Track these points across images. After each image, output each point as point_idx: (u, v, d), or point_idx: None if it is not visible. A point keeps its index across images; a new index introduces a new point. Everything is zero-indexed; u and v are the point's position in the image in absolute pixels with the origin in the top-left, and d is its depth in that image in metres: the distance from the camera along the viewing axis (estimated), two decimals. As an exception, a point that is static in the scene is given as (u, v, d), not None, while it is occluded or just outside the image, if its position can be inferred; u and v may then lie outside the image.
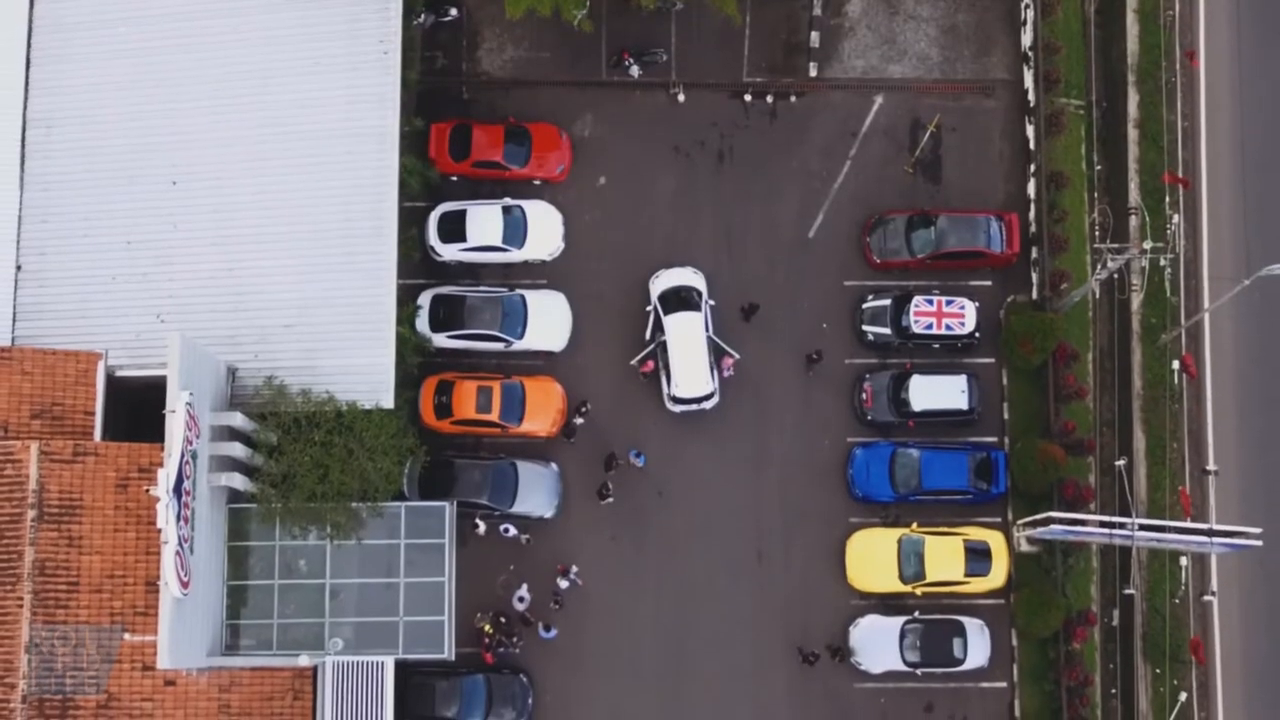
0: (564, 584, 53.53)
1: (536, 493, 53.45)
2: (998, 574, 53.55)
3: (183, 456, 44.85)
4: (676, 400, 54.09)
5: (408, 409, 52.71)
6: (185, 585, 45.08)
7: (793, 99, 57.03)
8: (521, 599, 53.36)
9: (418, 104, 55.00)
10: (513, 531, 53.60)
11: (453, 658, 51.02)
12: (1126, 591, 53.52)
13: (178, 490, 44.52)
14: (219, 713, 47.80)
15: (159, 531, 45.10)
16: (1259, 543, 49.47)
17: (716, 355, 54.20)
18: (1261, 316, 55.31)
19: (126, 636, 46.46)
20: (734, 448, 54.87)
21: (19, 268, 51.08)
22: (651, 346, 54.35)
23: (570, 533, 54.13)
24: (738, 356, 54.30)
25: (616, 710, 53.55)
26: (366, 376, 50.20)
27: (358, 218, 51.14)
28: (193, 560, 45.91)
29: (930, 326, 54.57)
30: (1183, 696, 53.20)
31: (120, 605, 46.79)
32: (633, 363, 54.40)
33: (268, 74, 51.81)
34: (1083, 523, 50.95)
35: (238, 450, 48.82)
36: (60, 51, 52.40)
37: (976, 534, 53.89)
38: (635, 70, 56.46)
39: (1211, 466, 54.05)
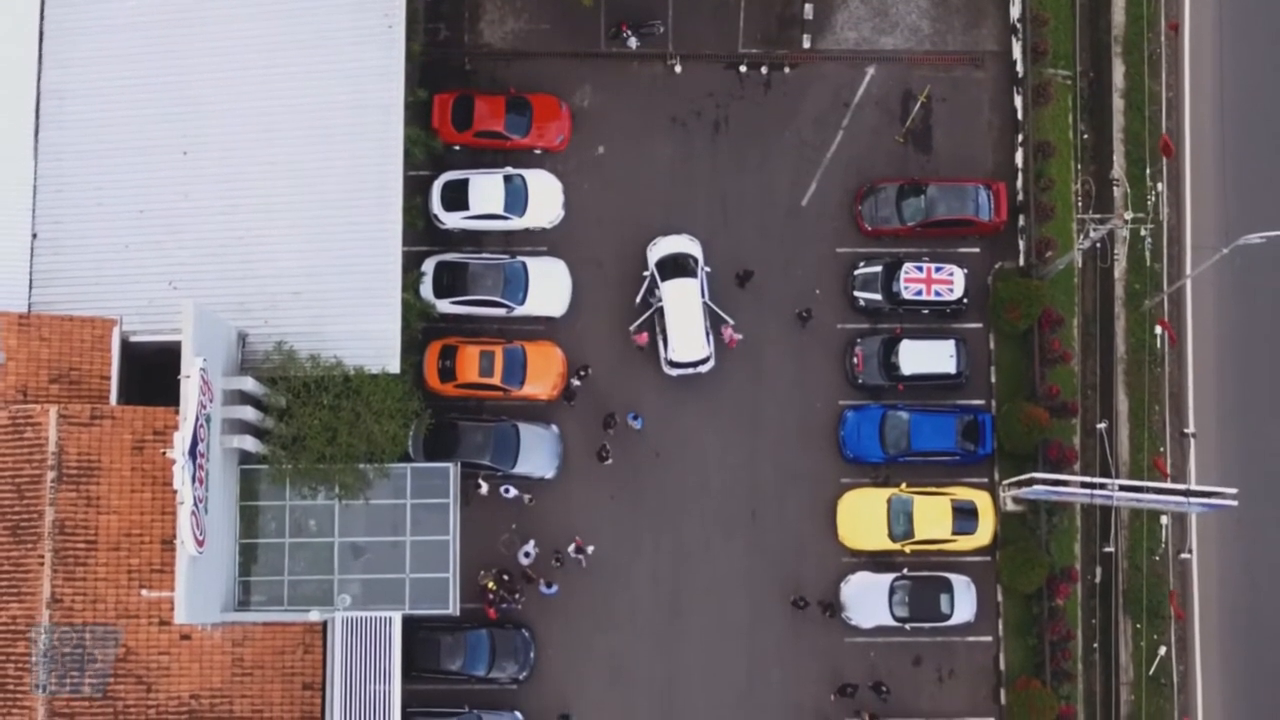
0: (574, 555, 54.40)
1: (537, 454, 54.22)
2: (984, 532, 54.32)
3: (197, 420, 45.60)
4: (673, 364, 54.81)
5: (412, 373, 53.33)
6: (200, 544, 45.90)
7: (787, 70, 57.68)
8: (528, 554, 54.18)
9: (421, 75, 55.53)
10: (513, 492, 54.43)
11: (457, 613, 51.83)
12: (1106, 549, 54.52)
13: (193, 452, 45.30)
14: (232, 666, 48.86)
15: (174, 492, 45.90)
16: (1235, 503, 50.28)
17: (714, 322, 55.09)
18: (1242, 283, 56.04)
19: (144, 593, 47.51)
20: (729, 410, 55.64)
21: (35, 236, 51.76)
22: (648, 314, 55.10)
23: (570, 493, 54.95)
24: (732, 322, 55.13)
25: (615, 662, 54.44)
26: (373, 342, 50.86)
27: (364, 187, 51.69)
28: (207, 520, 46.73)
29: (920, 293, 55.25)
30: (1162, 650, 54.36)
31: (137, 563, 47.83)
32: (631, 329, 55.30)
33: (276, 47, 52.23)
34: (1065, 483, 51.64)
35: (249, 413, 49.58)
36: (73, 24, 52.81)
37: (963, 494, 54.60)
38: (633, 42, 57.06)
39: (1190, 429, 54.84)
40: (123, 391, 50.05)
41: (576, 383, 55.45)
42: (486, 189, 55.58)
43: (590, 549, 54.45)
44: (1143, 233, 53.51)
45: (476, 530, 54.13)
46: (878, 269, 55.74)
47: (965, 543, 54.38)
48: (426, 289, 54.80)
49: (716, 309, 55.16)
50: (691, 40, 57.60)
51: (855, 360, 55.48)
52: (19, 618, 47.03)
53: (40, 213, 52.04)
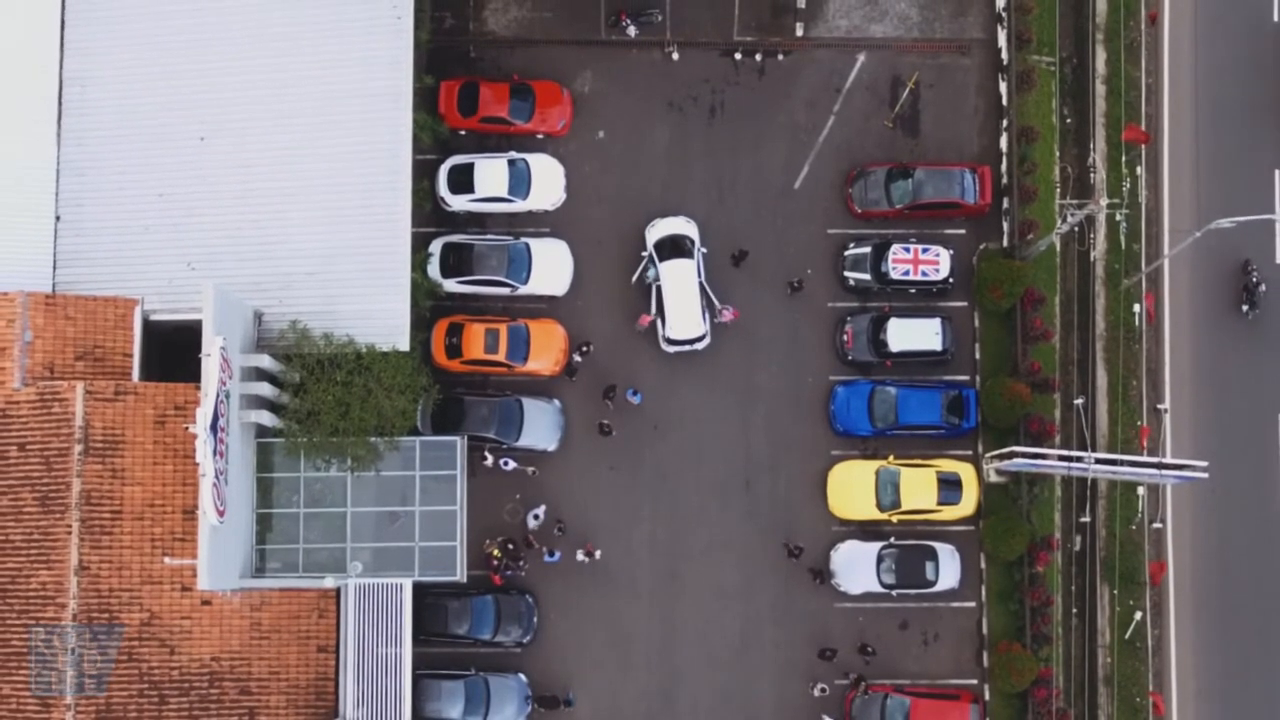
0: (582, 558, 55.77)
1: (540, 427, 55.60)
2: (968, 503, 55.69)
3: (217, 396, 47.19)
4: (671, 341, 56.20)
5: (420, 350, 54.50)
6: (221, 514, 47.57)
7: (780, 57, 58.80)
8: (537, 516, 55.66)
9: (428, 62, 56.75)
10: (512, 465, 55.77)
11: (464, 579, 53.30)
12: (1084, 519, 55.85)
13: (214, 427, 46.92)
14: (251, 629, 50.58)
15: (195, 464, 47.60)
16: (1205, 475, 51.66)
17: (709, 301, 56.46)
18: (1216, 264, 57.35)
19: (167, 560, 49.23)
20: (724, 385, 57.01)
21: (58, 218, 53.15)
22: (653, 298, 56.33)
23: (572, 464, 56.32)
24: (719, 305, 56.23)
25: (614, 627, 56.00)
26: (383, 320, 52.14)
27: (374, 171, 52.86)
28: (227, 491, 48.33)
29: (907, 273, 56.50)
30: (1137, 615, 55.73)
31: (160, 532, 49.53)
32: (648, 314, 56.52)
33: (289, 36, 53.41)
34: (1044, 456, 52.94)
35: (266, 389, 51.07)
36: (93, 13, 53.99)
37: (948, 466, 55.93)
38: (632, 30, 58.22)
39: (1163, 406, 55.97)
40: (144, 368, 51.58)
41: (578, 359, 56.84)
42: (491, 172, 56.75)
43: (598, 553, 55.88)
44: (1118, 217, 54.90)
45: (482, 500, 55.66)
46: (867, 250, 56.92)
47: (950, 513, 55.72)
48: (434, 269, 55.90)
49: (710, 293, 56.51)
50: (688, 28, 58.64)
51: (845, 337, 56.83)
52: (48, 584, 48.81)
53: (63, 196, 53.32)
